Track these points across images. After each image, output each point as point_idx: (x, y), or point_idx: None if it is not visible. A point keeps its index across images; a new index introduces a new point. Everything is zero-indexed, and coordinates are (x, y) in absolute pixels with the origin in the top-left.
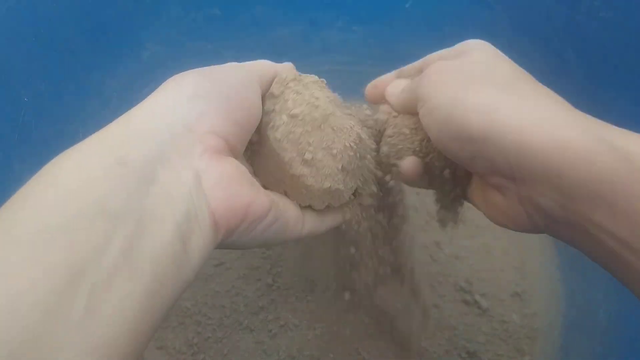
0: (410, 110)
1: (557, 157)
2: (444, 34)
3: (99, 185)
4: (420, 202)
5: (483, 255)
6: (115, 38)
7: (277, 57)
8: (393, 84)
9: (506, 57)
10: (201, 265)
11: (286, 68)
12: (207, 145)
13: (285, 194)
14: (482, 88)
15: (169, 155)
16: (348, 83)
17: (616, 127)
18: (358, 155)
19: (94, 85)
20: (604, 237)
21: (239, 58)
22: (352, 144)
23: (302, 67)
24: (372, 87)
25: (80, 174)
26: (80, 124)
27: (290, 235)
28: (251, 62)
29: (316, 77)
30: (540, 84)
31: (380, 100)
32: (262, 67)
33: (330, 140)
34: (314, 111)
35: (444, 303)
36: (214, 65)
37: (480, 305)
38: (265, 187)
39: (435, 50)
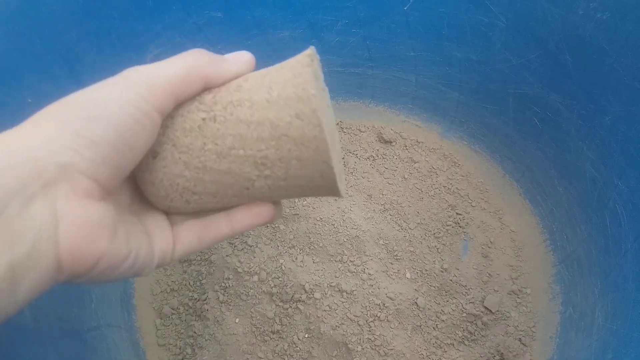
0: None
1: None
2: (442, 35)
3: None
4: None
5: (481, 253)
6: (118, 40)
7: (278, 59)
8: None
9: None
10: (29, 302)
11: (218, 75)
12: (76, 187)
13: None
14: None
15: (29, 190)
16: (347, 85)
17: None
18: None
19: None
20: None
21: None
22: None
23: None
24: None
25: None
26: None
27: (154, 267)
28: (167, 71)
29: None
30: None
31: None
32: (178, 81)
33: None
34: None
35: (444, 301)
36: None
37: (480, 304)
38: (150, 203)
39: (434, 50)
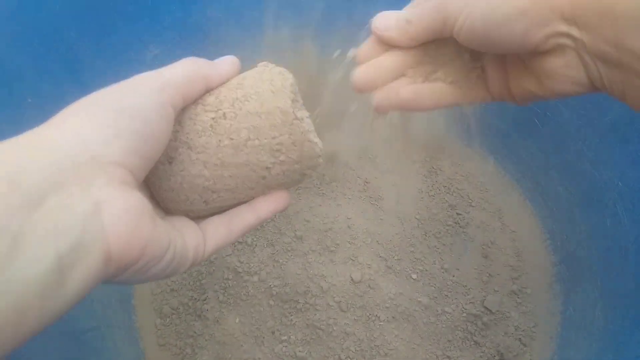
0: (420, 39)
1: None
2: None
3: None
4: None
5: (481, 253)
6: (118, 40)
7: (278, 58)
8: (382, 19)
9: None
10: (80, 299)
11: (217, 76)
12: (112, 175)
13: (205, 205)
14: None
15: (67, 183)
16: None
17: None
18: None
19: (97, 87)
20: None
21: (240, 59)
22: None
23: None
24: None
25: None
26: None
27: (190, 265)
28: (173, 72)
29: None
30: None
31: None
32: (184, 80)
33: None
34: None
35: (444, 301)
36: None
37: (480, 304)
38: (167, 210)
39: None
